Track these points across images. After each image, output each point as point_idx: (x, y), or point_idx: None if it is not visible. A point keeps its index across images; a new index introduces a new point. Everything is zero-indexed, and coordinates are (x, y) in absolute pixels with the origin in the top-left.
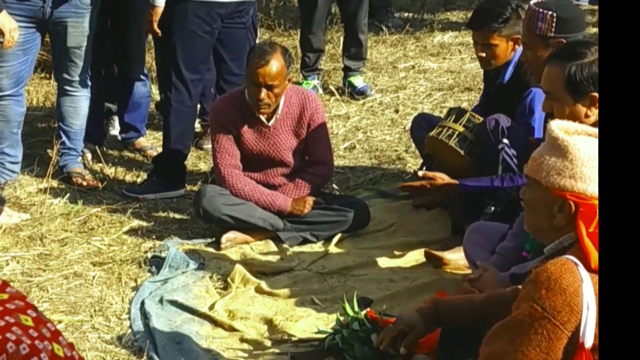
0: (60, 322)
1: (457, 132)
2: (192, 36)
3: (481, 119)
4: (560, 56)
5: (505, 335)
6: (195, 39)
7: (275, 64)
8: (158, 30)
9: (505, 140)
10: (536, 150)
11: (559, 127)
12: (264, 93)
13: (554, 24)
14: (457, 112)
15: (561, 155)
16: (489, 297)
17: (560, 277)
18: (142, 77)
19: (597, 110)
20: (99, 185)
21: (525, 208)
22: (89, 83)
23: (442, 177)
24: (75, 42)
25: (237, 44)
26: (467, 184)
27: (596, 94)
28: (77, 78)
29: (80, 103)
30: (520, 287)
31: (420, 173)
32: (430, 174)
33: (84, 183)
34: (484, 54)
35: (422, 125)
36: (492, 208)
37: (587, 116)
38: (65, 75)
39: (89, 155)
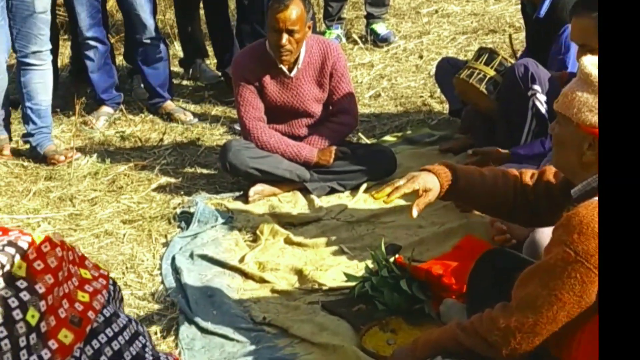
0: None
1: (488, 76)
2: None
3: (513, 61)
4: (587, 5)
5: (539, 279)
6: None
7: (294, 9)
8: None
9: (536, 87)
10: (567, 86)
11: (592, 63)
12: (285, 39)
13: None
14: (489, 54)
15: (593, 91)
16: (497, 176)
17: (592, 220)
18: (152, 40)
19: None
20: (73, 156)
21: (554, 144)
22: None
23: (491, 151)
24: (42, 6)
25: None
26: (519, 152)
27: None
28: (44, 48)
29: (48, 76)
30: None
31: (469, 151)
32: (480, 150)
33: (62, 158)
34: None
35: (447, 69)
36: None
37: None
38: (33, 48)
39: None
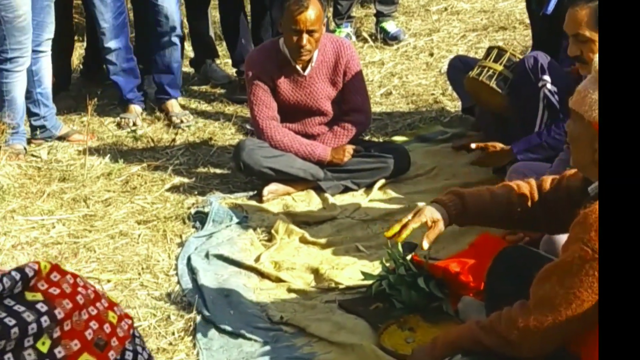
0: (109, 281)
1: (497, 72)
2: None
3: (521, 57)
4: None
5: (556, 277)
6: None
7: (313, 9)
8: None
9: (546, 77)
10: (582, 84)
11: None
12: (305, 39)
13: None
14: (497, 52)
15: None
16: (510, 191)
17: None
18: (175, 40)
19: None
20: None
21: (570, 141)
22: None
23: (494, 145)
24: None
25: None
26: (519, 147)
27: None
28: (52, 36)
29: (50, 62)
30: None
31: (473, 145)
32: (482, 144)
33: (80, 137)
34: None
35: (459, 67)
36: None
37: None
38: (47, 35)
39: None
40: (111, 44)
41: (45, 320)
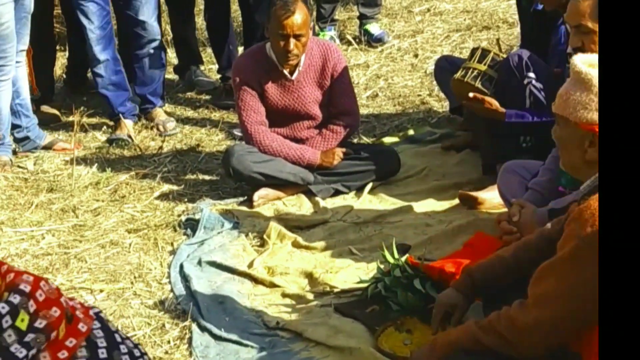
0: (101, 291)
1: (482, 73)
2: None
3: (505, 56)
4: None
5: (554, 275)
6: None
7: (300, 13)
8: None
9: (531, 74)
10: (562, 87)
11: (583, 61)
12: (292, 44)
13: None
14: (481, 52)
15: (586, 89)
16: (517, 249)
17: None
18: (154, 52)
19: None
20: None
21: (558, 146)
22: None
23: (491, 102)
24: (31, 7)
25: None
26: (512, 115)
27: None
28: (27, 46)
29: (25, 73)
30: (547, 227)
31: (470, 94)
32: (480, 96)
33: (66, 146)
34: None
35: (446, 67)
36: (528, 139)
37: None
38: (22, 47)
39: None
40: (99, 55)
41: (14, 298)
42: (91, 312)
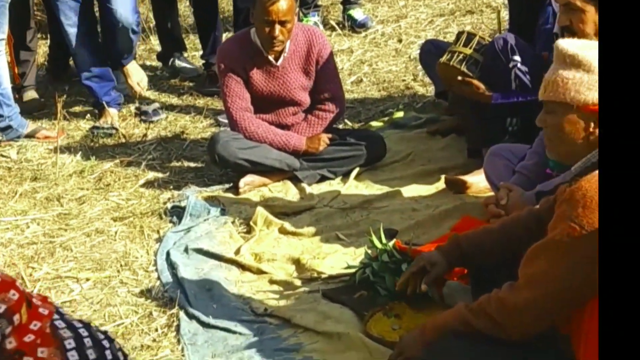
0: (87, 279)
1: (467, 56)
2: None
3: (490, 39)
4: None
5: (545, 256)
6: None
7: (285, 0)
8: None
9: (517, 58)
10: (551, 74)
11: (571, 44)
12: (278, 30)
13: None
14: (467, 36)
15: (586, 69)
16: (504, 223)
17: (596, 193)
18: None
19: None
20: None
21: (552, 136)
22: None
23: (478, 86)
24: None
25: None
26: (497, 97)
27: None
28: (5, 35)
29: (5, 62)
30: (536, 207)
31: (459, 78)
32: (468, 79)
33: (48, 134)
34: None
35: (431, 51)
36: (514, 121)
37: None
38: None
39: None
40: (79, 51)
41: None
42: (50, 300)
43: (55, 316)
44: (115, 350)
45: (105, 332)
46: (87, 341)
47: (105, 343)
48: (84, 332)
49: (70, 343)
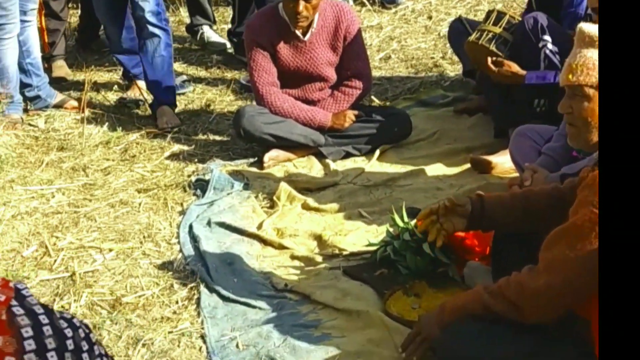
0: (110, 250)
1: (497, 35)
2: None
3: (521, 19)
4: None
5: (566, 241)
6: None
7: None
8: None
9: (547, 37)
10: (576, 58)
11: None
12: (302, 6)
13: None
14: (497, 14)
15: None
16: (530, 192)
17: None
18: (155, 32)
19: None
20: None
21: (577, 124)
22: None
23: (510, 65)
24: None
25: None
26: (532, 77)
27: None
28: (37, 6)
29: (36, 32)
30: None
31: (489, 59)
32: (500, 60)
33: (75, 104)
34: None
35: (460, 30)
36: (542, 102)
37: None
38: (31, 5)
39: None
40: (109, 24)
41: None
42: (11, 285)
43: (14, 302)
44: (79, 339)
45: (70, 319)
46: (47, 329)
47: (68, 332)
48: (44, 320)
49: (27, 331)
